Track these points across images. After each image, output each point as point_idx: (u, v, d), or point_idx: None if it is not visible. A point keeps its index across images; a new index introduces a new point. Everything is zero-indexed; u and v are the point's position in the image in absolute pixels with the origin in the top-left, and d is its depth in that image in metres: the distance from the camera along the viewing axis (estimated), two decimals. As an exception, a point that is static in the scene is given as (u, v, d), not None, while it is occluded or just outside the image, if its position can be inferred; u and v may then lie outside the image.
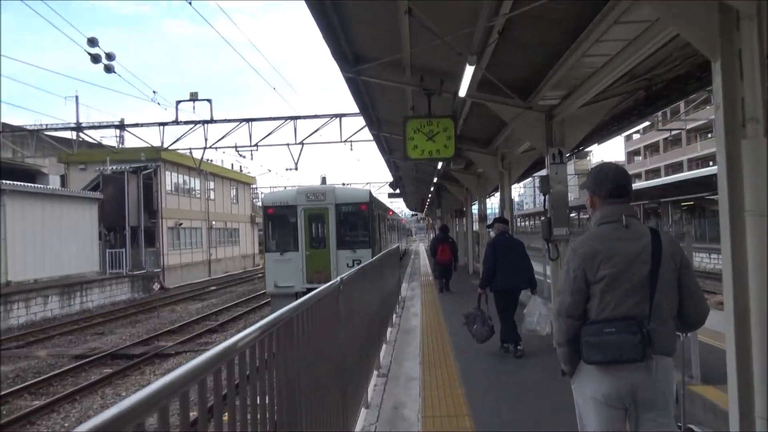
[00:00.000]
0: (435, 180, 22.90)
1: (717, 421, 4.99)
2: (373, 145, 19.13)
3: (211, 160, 41.65)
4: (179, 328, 18.36)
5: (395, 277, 13.25)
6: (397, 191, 31.25)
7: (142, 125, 26.10)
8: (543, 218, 8.72)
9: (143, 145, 27.58)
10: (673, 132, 44.22)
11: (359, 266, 5.57)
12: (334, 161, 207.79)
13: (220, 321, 19.58)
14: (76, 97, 30.15)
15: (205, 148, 26.19)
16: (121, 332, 18.37)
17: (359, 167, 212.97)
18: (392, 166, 24.32)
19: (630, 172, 3.54)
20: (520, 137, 10.79)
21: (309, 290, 3.61)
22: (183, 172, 37.46)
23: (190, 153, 28.90)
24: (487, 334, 7.96)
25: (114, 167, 31.53)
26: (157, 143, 26.03)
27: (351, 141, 25.36)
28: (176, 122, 24.72)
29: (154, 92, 30.02)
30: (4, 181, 22.30)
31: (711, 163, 53.24)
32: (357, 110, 14.29)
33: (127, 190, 30.89)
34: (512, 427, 5.26)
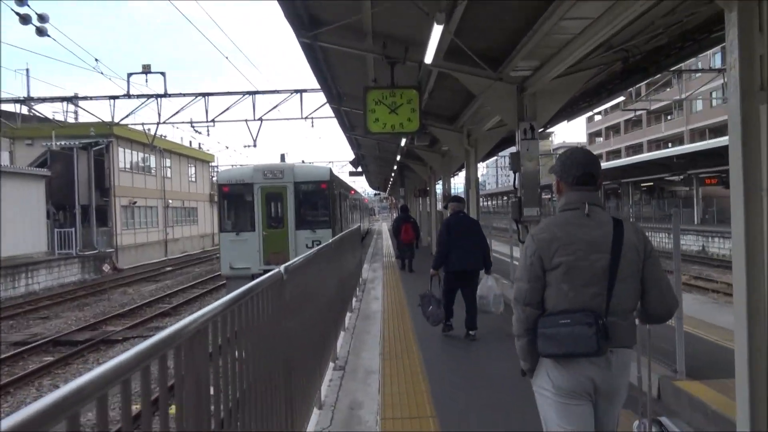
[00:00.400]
0: (398, 158, 22.27)
1: (707, 421, 4.53)
2: (335, 122, 18.36)
3: (165, 136, 40.13)
4: (129, 311, 17.46)
5: (356, 258, 12.65)
6: (359, 169, 30.48)
7: (91, 98, 24.74)
8: (513, 198, 8.20)
9: (96, 120, 26.23)
10: (638, 112, 44.76)
11: (309, 252, 4.92)
12: (295, 138, 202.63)
13: (174, 304, 18.72)
14: (27, 70, 28.45)
15: (158, 123, 24.99)
16: (67, 316, 17.38)
17: (321, 145, 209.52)
18: (354, 144, 23.58)
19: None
20: (490, 111, 10.21)
21: (266, 272, 3.15)
22: (137, 149, 35.98)
23: (144, 128, 27.62)
24: (441, 316, 7.77)
25: (63, 143, 30.00)
26: (108, 118, 24.76)
27: (312, 118, 24.47)
28: (128, 95, 23.47)
29: (96, 60, 28.03)
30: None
31: (670, 145, 54.46)
32: (318, 86, 13.53)
33: (76, 167, 29.42)
34: (480, 428, 4.73)
